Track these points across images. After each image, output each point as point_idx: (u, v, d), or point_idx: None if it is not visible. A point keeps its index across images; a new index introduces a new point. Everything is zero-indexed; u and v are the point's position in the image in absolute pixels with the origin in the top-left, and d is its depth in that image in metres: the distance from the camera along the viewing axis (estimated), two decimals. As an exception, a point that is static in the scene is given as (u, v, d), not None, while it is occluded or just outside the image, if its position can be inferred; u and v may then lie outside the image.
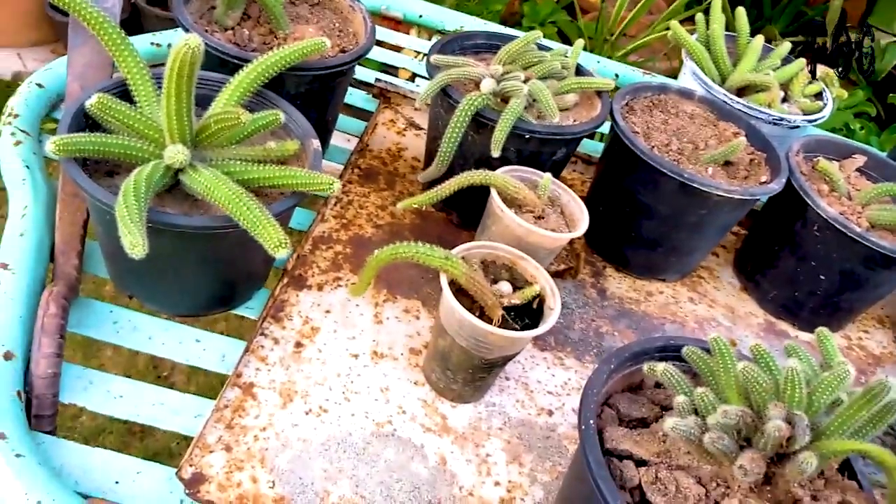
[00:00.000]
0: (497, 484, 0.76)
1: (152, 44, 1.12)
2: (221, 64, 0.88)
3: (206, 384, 1.72)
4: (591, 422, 0.58)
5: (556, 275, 1.03)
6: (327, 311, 0.86)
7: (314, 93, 0.93)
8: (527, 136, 0.91)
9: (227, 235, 0.69)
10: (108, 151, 0.70)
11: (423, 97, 0.90)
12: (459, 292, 0.77)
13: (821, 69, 1.22)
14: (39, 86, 0.97)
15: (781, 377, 0.55)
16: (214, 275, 0.78)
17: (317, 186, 0.69)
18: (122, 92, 0.77)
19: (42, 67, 1.00)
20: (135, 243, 0.59)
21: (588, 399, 0.60)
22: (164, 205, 0.72)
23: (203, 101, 0.80)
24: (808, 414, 0.55)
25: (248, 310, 0.85)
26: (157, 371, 1.69)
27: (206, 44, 0.87)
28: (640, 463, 0.60)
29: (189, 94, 0.69)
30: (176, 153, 0.69)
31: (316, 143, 0.79)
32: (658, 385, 0.68)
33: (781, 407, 0.54)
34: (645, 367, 0.60)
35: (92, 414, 1.57)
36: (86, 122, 0.74)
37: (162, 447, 1.56)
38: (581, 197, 0.91)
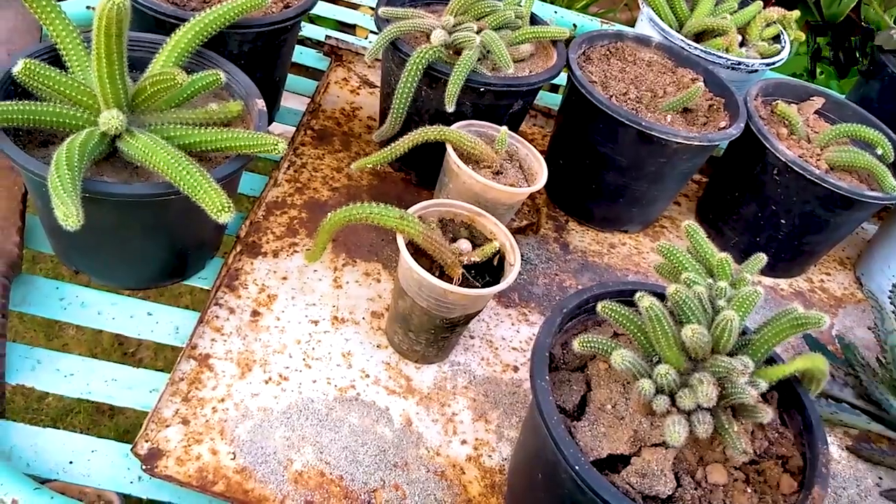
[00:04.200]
0: (464, 442, 0.76)
1: (88, 7, 1.06)
2: (158, 25, 0.84)
3: (175, 359, 1.70)
4: (544, 375, 0.57)
5: (517, 231, 1.02)
6: (284, 278, 0.84)
7: (259, 51, 0.90)
8: (482, 89, 0.88)
9: (170, 203, 0.66)
10: (39, 120, 0.67)
11: (371, 52, 0.87)
12: (418, 252, 0.75)
13: (778, 11, 1.21)
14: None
15: (716, 326, 0.55)
16: (162, 245, 0.75)
17: (261, 147, 0.67)
18: (54, 58, 0.73)
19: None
20: (68, 214, 0.56)
21: (540, 349, 0.59)
22: (102, 174, 0.69)
23: (141, 65, 0.76)
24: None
25: (202, 280, 0.83)
26: (123, 348, 1.66)
27: (141, 4, 0.84)
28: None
29: (120, 55, 0.65)
30: (110, 118, 0.66)
31: (260, 102, 0.76)
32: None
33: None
34: (599, 306, 0.59)
35: (58, 395, 1.54)
36: (15, 90, 0.71)
37: (133, 424, 1.54)
38: (541, 151, 0.89)
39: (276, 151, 0.67)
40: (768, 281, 1.09)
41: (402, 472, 0.71)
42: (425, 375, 0.81)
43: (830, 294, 1.11)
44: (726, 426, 0.55)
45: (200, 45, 0.77)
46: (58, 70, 0.68)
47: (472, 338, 0.86)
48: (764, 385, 0.57)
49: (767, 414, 0.56)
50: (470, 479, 0.73)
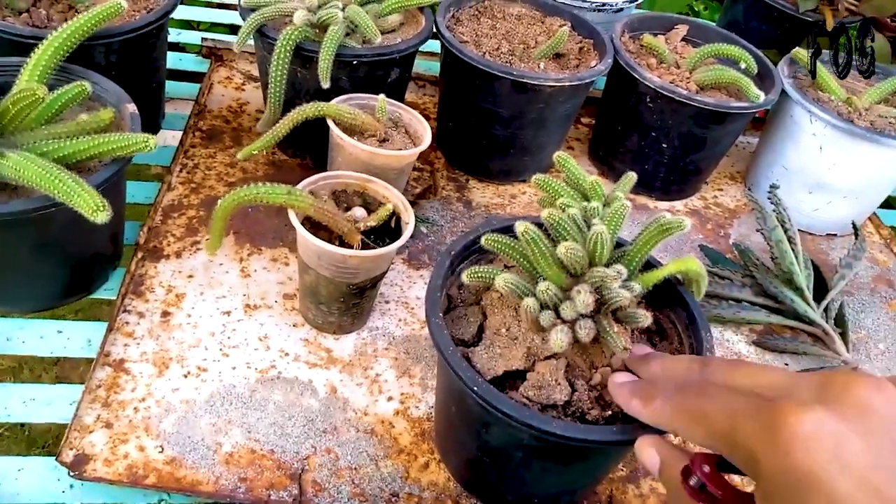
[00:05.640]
0: (390, 399, 0.78)
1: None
2: (20, 49, 0.83)
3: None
4: (437, 313, 0.60)
5: (419, 196, 1.05)
6: (190, 276, 0.85)
7: (128, 60, 0.90)
8: (354, 62, 0.91)
9: (54, 216, 0.67)
10: None
11: (238, 42, 0.88)
12: (316, 227, 0.77)
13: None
14: None
15: (589, 241, 0.59)
16: (56, 261, 0.75)
17: (132, 147, 0.68)
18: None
19: None
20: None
21: (432, 291, 0.62)
22: (-18, 201, 0.69)
23: (7, 90, 0.76)
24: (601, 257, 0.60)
25: (108, 292, 0.83)
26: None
27: (-3, 29, 0.83)
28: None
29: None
30: (-24, 144, 0.66)
31: (131, 107, 0.77)
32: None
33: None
34: (482, 240, 0.62)
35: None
36: None
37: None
38: (434, 118, 0.92)
39: (149, 148, 0.68)
40: (664, 205, 1.14)
41: (333, 437, 0.74)
42: (345, 344, 0.83)
43: (724, 207, 1.18)
44: (607, 329, 0.59)
45: (63, 60, 0.77)
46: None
47: (387, 302, 0.89)
48: (638, 287, 0.61)
49: (646, 317, 0.60)
50: (399, 431, 0.76)
